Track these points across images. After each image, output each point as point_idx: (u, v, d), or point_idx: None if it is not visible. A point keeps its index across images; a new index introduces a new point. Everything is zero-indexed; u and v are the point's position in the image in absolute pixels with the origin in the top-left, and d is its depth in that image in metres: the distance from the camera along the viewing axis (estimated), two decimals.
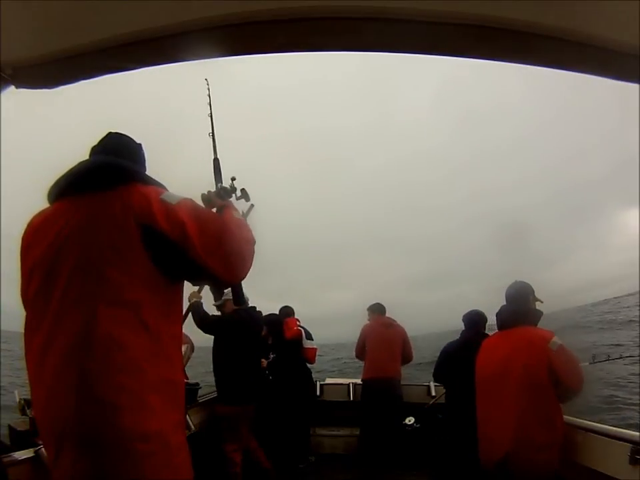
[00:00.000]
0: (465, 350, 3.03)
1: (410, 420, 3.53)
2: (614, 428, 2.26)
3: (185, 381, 2.89)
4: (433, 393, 3.96)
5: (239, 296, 1.58)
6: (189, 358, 2.50)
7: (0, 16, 0.84)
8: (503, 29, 0.83)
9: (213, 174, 1.53)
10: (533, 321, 2.43)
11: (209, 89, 1.69)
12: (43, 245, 1.06)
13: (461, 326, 3.31)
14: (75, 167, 1.14)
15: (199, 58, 0.95)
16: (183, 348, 2.57)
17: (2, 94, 1.01)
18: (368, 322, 4.15)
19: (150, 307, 1.02)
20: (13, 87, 1.01)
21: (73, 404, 0.94)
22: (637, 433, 2.07)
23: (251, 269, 1.24)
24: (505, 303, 2.55)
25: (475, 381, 2.66)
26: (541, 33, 0.82)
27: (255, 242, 1.26)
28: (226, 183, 1.49)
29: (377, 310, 4.16)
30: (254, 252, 1.24)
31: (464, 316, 3.30)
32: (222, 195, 1.42)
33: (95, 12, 0.86)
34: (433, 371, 3.36)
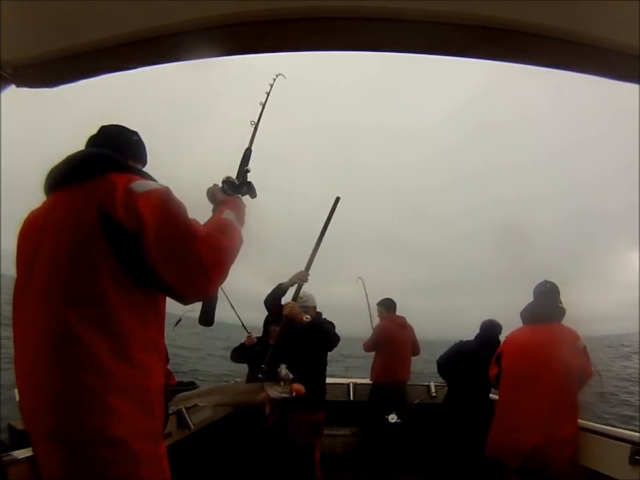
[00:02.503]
0: (479, 351, 3.07)
1: (392, 418, 3.60)
2: (614, 428, 2.28)
3: (173, 383, 2.83)
4: (433, 393, 3.96)
5: (206, 313, 1.35)
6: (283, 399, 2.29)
7: (0, 16, 0.84)
8: (503, 29, 0.83)
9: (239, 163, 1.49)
10: (561, 318, 2.51)
11: (274, 81, 1.67)
12: (29, 240, 1.06)
13: (458, 337, 3.36)
14: (62, 160, 1.12)
15: (199, 58, 0.95)
16: (291, 396, 2.19)
17: (2, 93, 1.01)
18: (381, 320, 4.09)
19: (119, 306, 0.96)
20: (13, 86, 1.01)
21: (43, 399, 0.95)
22: (637, 434, 2.08)
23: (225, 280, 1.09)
24: (532, 300, 2.61)
25: (483, 381, 2.69)
26: (541, 33, 0.82)
27: (235, 250, 1.12)
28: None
29: (391, 307, 4.09)
30: (230, 263, 1.09)
31: (482, 323, 3.32)
32: (226, 189, 1.32)
33: (94, 12, 0.86)
34: (438, 362, 3.36)
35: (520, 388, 2.40)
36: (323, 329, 2.74)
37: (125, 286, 0.98)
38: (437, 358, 3.38)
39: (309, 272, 2.55)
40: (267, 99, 1.65)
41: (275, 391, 2.21)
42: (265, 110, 1.64)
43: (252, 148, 1.55)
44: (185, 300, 1.08)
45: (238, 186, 1.38)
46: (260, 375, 2.29)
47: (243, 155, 1.52)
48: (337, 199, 2.39)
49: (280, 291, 2.76)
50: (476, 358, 3.01)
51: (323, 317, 2.94)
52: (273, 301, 2.80)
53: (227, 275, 1.10)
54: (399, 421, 3.61)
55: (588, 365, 2.39)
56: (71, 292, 0.95)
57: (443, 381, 3.94)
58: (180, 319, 3.57)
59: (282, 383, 2.26)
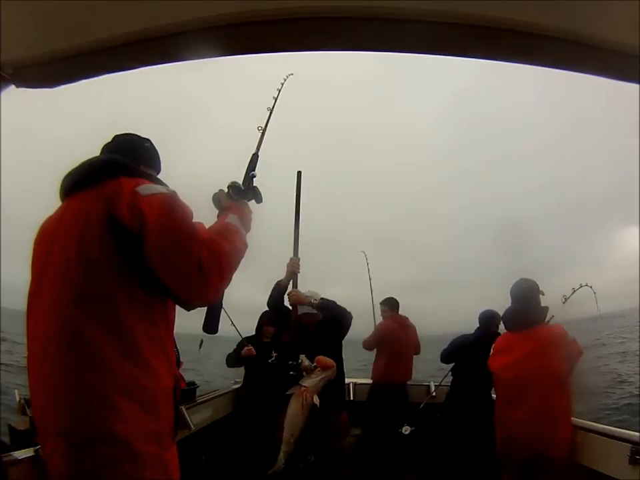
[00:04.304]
0: (475, 345, 3.11)
1: (406, 430, 3.58)
2: (614, 428, 2.27)
3: (183, 387, 2.80)
4: (433, 393, 3.96)
5: (209, 320, 1.31)
6: (328, 380, 2.15)
7: (0, 16, 0.84)
8: (503, 29, 0.83)
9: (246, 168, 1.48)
10: (544, 319, 2.46)
11: (282, 85, 1.64)
12: (42, 244, 1.08)
13: (455, 330, 3.38)
14: (75, 166, 1.14)
15: (199, 58, 0.95)
16: (327, 373, 2.08)
17: (2, 93, 1.01)
18: (384, 318, 4.07)
19: (126, 306, 0.97)
20: (13, 87, 1.01)
21: (49, 396, 0.96)
22: (637, 433, 2.07)
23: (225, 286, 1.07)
24: (511, 304, 2.55)
25: (484, 376, 2.69)
26: (541, 33, 0.82)
27: (238, 256, 1.10)
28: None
29: (394, 306, 4.08)
30: (232, 268, 1.07)
31: (479, 315, 3.35)
32: (231, 194, 1.31)
33: (94, 12, 0.86)
34: (441, 355, 3.44)
35: (514, 398, 2.38)
36: (333, 306, 2.69)
37: (132, 286, 0.99)
38: (441, 352, 3.43)
39: (299, 257, 2.52)
40: (274, 103, 1.63)
41: (312, 381, 2.08)
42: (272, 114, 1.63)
43: (258, 153, 1.53)
44: (185, 304, 1.08)
45: (244, 191, 1.36)
46: (291, 373, 2.21)
47: (250, 160, 1.50)
48: (299, 173, 2.41)
49: (280, 288, 2.71)
50: (476, 353, 3.02)
51: None
52: (276, 301, 2.74)
53: (228, 281, 1.09)
54: (413, 429, 3.58)
55: (577, 348, 2.36)
56: (79, 291, 0.97)
57: (443, 381, 3.95)
58: (202, 341, 3.57)
59: (316, 370, 2.12)
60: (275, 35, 0.89)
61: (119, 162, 1.12)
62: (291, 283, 2.60)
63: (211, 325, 1.32)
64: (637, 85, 0.88)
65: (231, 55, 0.96)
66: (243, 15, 0.83)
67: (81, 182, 1.09)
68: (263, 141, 1.60)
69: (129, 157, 1.16)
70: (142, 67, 1.01)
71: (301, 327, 2.61)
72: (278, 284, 2.73)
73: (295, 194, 2.45)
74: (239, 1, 0.82)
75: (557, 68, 0.91)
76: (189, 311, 1.09)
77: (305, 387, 2.07)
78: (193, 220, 1.06)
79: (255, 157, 1.53)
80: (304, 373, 2.13)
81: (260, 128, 1.60)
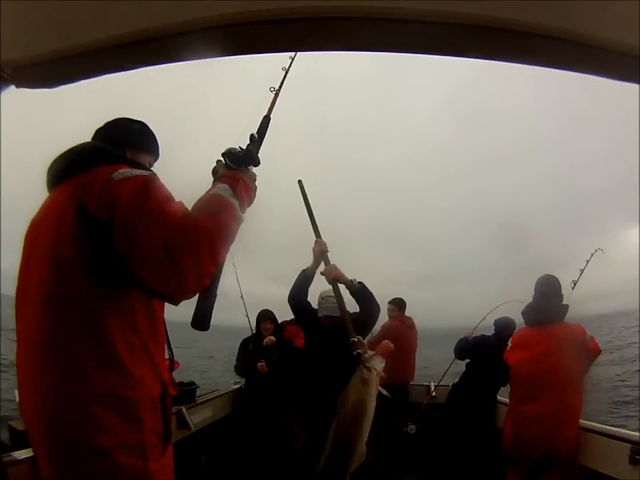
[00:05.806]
0: (492, 345, 3.14)
1: (412, 429, 3.60)
2: (614, 428, 2.28)
3: (173, 394, 2.75)
4: (433, 393, 3.97)
5: (198, 314, 1.09)
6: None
7: (0, 16, 0.84)
8: (503, 29, 0.83)
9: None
10: (564, 316, 2.48)
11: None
12: (28, 242, 1.04)
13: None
14: (59, 154, 1.08)
15: (199, 58, 0.95)
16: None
17: (2, 94, 1.01)
18: (391, 318, 4.08)
19: (102, 308, 0.90)
20: (13, 87, 1.01)
21: (33, 402, 0.93)
22: (637, 433, 2.08)
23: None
24: (533, 299, 2.57)
25: (497, 378, 2.70)
26: (541, 33, 0.83)
27: (224, 230, 0.94)
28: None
29: (402, 306, 4.11)
30: (215, 247, 0.91)
31: (495, 322, 3.37)
32: (229, 163, 1.13)
33: (94, 12, 0.86)
34: (458, 347, 3.47)
35: (530, 394, 2.40)
36: (371, 298, 2.34)
37: (108, 286, 0.91)
38: (458, 341, 3.47)
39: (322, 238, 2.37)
40: (290, 63, 1.49)
41: (378, 365, 1.66)
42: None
43: (270, 116, 1.41)
44: (168, 298, 0.95)
45: (241, 157, 1.14)
46: (357, 352, 1.79)
47: (261, 123, 1.37)
48: (300, 182, 2.43)
49: (305, 276, 2.44)
50: (497, 354, 3.05)
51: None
52: (300, 292, 2.46)
53: (214, 264, 0.93)
54: (417, 427, 3.60)
55: (594, 346, 2.37)
56: (53, 292, 0.91)
57: (443, 381, 3.95)
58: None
59: (377, 356, 1.71)
60: (275, 35, 0.89)
61: (98, 148, 1.05)
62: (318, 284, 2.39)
63: (198, 319, 1.09)
64: (637, 85, 0.89)
65: (231, 55, 0.95)
66: (243, 15, 0.83)
67: (63, 171, 1.03)
68: (276, 103, 1.46)
69: (114, 141, 1.10)
70: (142, 67, 1.00)
71: (321, 329, 2.39)
72: (303, 272, 2.45)
73: (302, 197, 2.40)
74: (238, 1, 0.82)
75: (557, 68, 0.91)
76: (176, 305, 0.95)
77: (378, 371, 1.62)
78: (173, 202, 0.94)
79: (265, 120, 1.38)
80: (355, 352, 1.74)
81: (273, 89, 1.45)
